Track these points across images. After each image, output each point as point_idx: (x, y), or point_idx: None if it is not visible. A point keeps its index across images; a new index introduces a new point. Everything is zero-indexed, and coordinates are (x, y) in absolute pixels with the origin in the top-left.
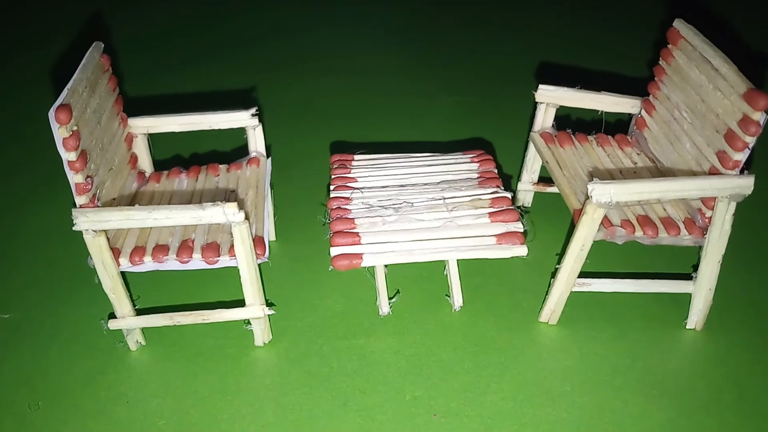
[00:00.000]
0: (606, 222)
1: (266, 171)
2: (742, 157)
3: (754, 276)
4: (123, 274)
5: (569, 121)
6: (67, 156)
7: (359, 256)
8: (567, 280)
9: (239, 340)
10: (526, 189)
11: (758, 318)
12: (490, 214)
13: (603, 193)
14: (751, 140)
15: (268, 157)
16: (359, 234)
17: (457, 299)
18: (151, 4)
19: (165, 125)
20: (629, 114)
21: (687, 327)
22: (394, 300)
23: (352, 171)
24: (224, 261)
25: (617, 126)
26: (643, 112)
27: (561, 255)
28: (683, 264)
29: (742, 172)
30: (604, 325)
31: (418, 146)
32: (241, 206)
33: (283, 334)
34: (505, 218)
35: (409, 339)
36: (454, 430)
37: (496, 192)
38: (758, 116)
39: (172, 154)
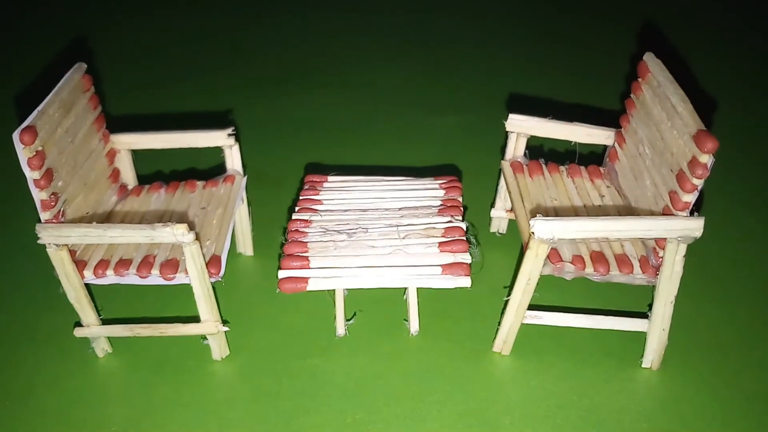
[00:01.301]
0: (555, 257)
1: (239, 189)
2: (690, 198)
3: (723, 312)
4: (88, 285)
5: (547, 151)
6: (31, 175)
7: (305, 280)
8: (516, 313)
9: (200, 354)
10: (500, 216)
11: (721, 358)
12: (440, 243)
13: (544, 230)
14: (698, 182)
15: (245, 175)
16: (308, 258)
17: (414, 324)
18: (154, 14)
19: (145, 142)
20: (604, 145)
21: (643, 366)
22: (351, 321)
23: (321, 193)
24: (181, 278)
25: (597, 156)
26: (616, 144)
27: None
28: (649, 300)
29: (692, 213)
30: (558, 358)
31: (404, 167)
32: (192, 227)
33: (242, 350)
34: (454, 248)
35: (361, 361)
36: None
37: (450, 222)
38: (705, 159)
39: (158, 169)
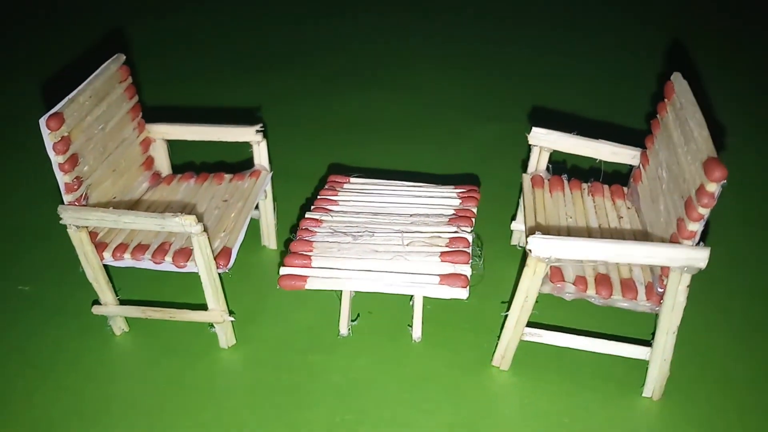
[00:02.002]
0: (557, 276)
1: (262, 185)
2: (696, 228)
3: (738, 349)
4: (108, 267)
5: (575, 167)
6: (56, 159)
7: (304, 278)
8: (515, 329)
9: (209, 341)
10: (520, 229)
11: (728, 396)
12: (442, 253)
13: (541, 248)
14: (704, 211)
15: (271, 170)
16: (311, 257)
17: (416, 331)
18: (209, 8)
19: (177, 133)
20: (630, 165)
21: (643, 395)
22: (355, 323)
23: (339, 194)
24: (192, 267)
25: (625, 176)
26: (641, 165)
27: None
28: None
29: (699, 243)
30: (557, 378)
31: (433, 174)
32: (204, 219)
33: (249, 340)
34: (455, 259)
35: (360, 363)
36: None
37: (456, 232)
38: (712, 187)
39: (196, 160)
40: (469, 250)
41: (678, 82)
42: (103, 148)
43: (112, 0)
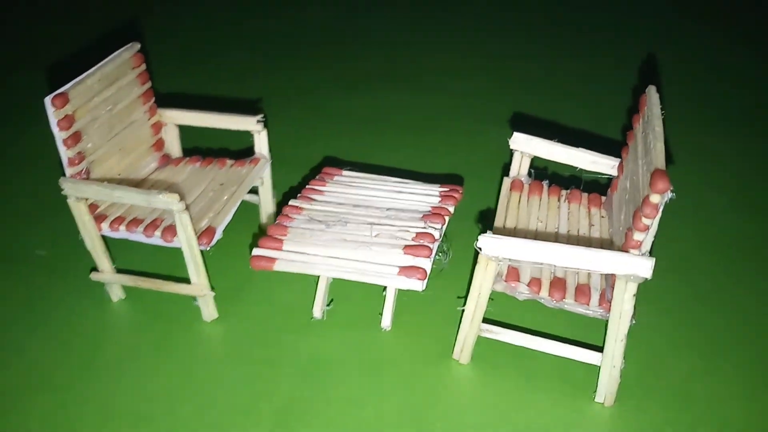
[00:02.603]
0: (512, 276)
1: (258, 172)
2: (640, 237)
3: (703, 364)
4: (106, 238)
5: (563, 176)
6: (59, 135)
7: (273, 260)
8: (471, 324)
9: (195, 314)
10: None
11: (683, 409)
12: (406, 246)
13: (489, 247)
14: (648, 222)
15: (270, 159)
16: (283, 241)
17: (385, 319)
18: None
19: (184, 119)
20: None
21: (595, 400)
22: (329, 307)
23: (327, 185)
24: (177, 242)
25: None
26: (618, 175)
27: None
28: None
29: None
30: (514, 375)
31: (437, 174)
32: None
33: (231, 316)
34: (417, 253)
35: (328, 344)
36: None
37: (424, 227)
38: (656, 199)
39: (212, 144)
40: (433, 246)
41: (650, 95)
42: (109, 128)
43: None
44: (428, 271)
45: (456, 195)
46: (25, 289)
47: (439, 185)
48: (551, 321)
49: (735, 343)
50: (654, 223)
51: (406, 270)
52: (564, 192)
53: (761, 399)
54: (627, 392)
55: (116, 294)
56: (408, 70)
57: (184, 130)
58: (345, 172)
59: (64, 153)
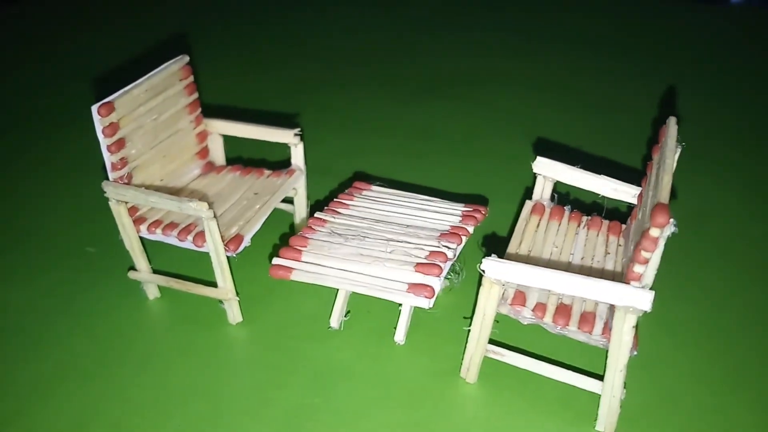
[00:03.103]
0: (518, 300)
1: (292, 183)
2: (640, 270)
3: (709, 400)
4: (144, 239)
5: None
6: (104, 141)
7: (290, 270)
8: (477, 345)
9: (223, 316)
10: None
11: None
12: (418, 264)
13: (493, 270)
14: (647, 255)
15: (304, 171)
16: (302, 252)
17: (399, 334)
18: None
19: (228, 129)
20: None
21: (596, 428)
22: (347, 318)
23: (355, 199)
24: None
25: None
26: (637, 204)
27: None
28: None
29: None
30: (518, 398)
31: (465, 194)
32: (211, 205)
33: (255, 320)
34: (428, 271)
35: (342, 355)
36: None
37: (436, 246)
38: (655, 233)
39: (260, 154)
40: (445, 265)
41: (669, 126)
42: (154, 135)
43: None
44: (437, 290)
45: (477, 215)
46: (70, 283)
47: (463, 204)
48: (561, 347)
49: (751, 383)
50: (655, 257)
51: (415, 287)
52: (585, 218)
53: None
54: (629, 423)
55: (152, 293)
56: (459, 87)
57: (234, 140)
58: (374, 187)
59: (108, 158)
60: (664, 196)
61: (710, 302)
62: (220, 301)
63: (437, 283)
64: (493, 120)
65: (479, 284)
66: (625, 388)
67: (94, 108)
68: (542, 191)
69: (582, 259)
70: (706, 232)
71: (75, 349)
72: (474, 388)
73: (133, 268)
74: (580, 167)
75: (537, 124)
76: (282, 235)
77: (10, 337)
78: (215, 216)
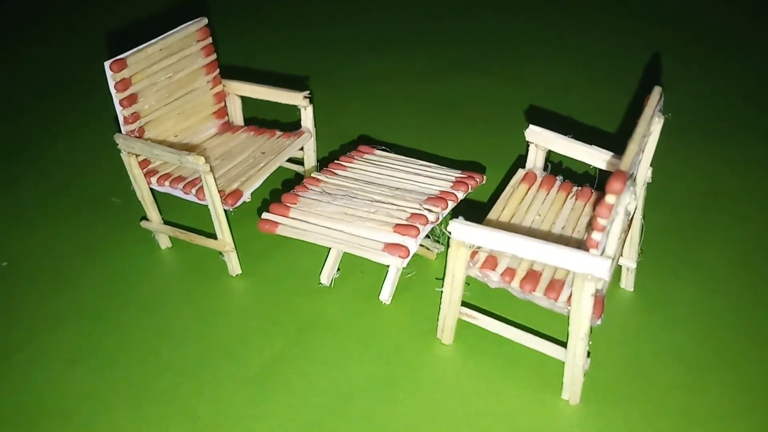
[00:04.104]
0: (489, 264)
1: (298, 144)
2: (597, 237)
3: (688, 378)
4: (155, 191)
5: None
6: (116, 96)
7: (277, 224)
8: (449, 306)
9: (224, 268)
10: None
11: (654, 413)
12: (397, 225)
13: (459, 232)
14: (602, 221)
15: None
16: (290, 209)
17: (384, 293)
18: None
19: (242, 90)
20: None
21: (562, 396)
22: (337, 275)
23: (354, 162)
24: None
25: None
26: None
27: None
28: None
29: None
30: (491, 362)
31: (476, 163)
32: (208, 161)
33: (253, 273)
34: (405, 232)
35: (328, 310)
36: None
37: (418, 209)
38: (611, 199)
39: (276, 117)
40: (424, 228)
41: (652, 95)
42: (168, 93)
43: None
44: (412, 251)
45: (470, 182)
46: (92, 230)
47: (459, 171)
48: (551, 319)
49: (731, 366)
50: (614, 225)
51: (391, 247)
52: (575, 189)
53: (738, 423)
54: (597, 394)
55: (164, 243)
56: (499, 59)
57: (255, 102)
58: (377, 151)
59: (120, 112)
60: (625, 163)
61: (706, 283)
62: (220, 253)
63: (413, 244)
64: (528, 94)
65: None
66: (589, 357)
67: (107, 64)
68: (535, 160)
69: (563, 228)
70: (714, 213)
71: (86, 289)
72: (448, 349)
73: (145, 218)
74: (571, 136)
75: (576, 100)
76: None
77: (29, 274)
78: (212, 170)
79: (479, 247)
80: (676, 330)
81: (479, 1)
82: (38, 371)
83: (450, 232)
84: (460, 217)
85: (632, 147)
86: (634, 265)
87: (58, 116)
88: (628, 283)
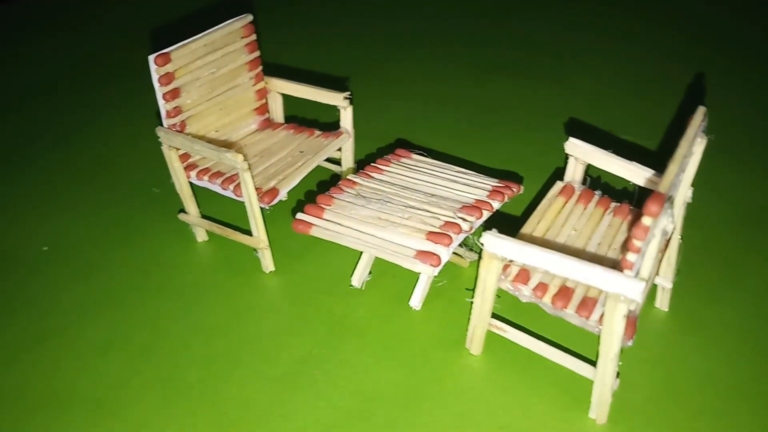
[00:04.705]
0: (520, 278)
1: (337, 144)
2: (632, 258)
3: (719, 401)
4: (194, 185)
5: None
6: (159, 90)
7: (310, 225)
8: (479, 317)
9: (258, 264)
10: None
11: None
12: (429, 232)
13: (492, 244)
14: (637, 243)
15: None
16: (325, 210)
17: (414, 299)
18: None
19: (284, 88)
20: None
21: (589, 415)
22: (368, 278)
23: (391, 165)
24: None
25: None
26: None
27: None
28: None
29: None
30: (518, 376)
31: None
32: (246, 158)
33: (286, 271)
34: (438, 240)
35: (358, 313)
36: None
37: (452, 217)
38: (647, 221)
39: (309, 114)
40: (457, 236)
41: (696, 116)
42: (210, 88)
43: None
44: (444, 260)
45: (506, 192)
46: (131, 219)
47: (497, 180)
48: (585, 337)
49: (765, 391)
50: (650, 246)
51: (423, 254)
52: (613, 205)
53: None
54: (625, 414)
55: (201, 236)
56: (539, 66)
57: (297, 101)
58: (414, 156)
59: (162, 106)
60: (664, 185)
61: (745, 307)
62: (255, 250)
63: (445, 253)
64: (564, 103)
65: None
66: (618, 377)
67: (151, 58)
68: (573, 173)
69: (598, 245)
70: (756, 235)
71: (122, 278)
72: (477, 360)
73: (183, 210)
74: (612, 151)
75: (618, 111)
76: None
77: (66, 262)
78: (249, 168)
79: (512, 261)
80: (710, 353)
81: (520, 5)
82: (71, 358)
83: (483, 244)
84: (494, 229)
85: (672, 168)
86: (670, 285)
87: (99, 104)
88: (663, 302)
